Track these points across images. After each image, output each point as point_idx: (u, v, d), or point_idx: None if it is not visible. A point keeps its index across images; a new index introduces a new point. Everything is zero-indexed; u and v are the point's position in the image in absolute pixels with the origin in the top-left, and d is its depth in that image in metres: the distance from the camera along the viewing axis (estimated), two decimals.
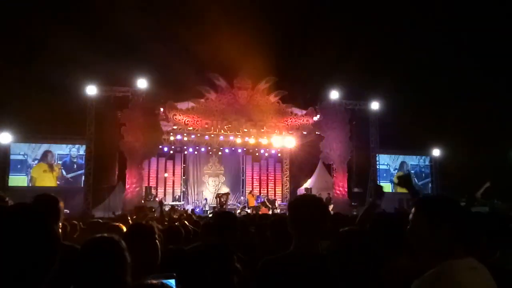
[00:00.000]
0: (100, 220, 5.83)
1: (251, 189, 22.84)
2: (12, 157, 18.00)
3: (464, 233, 1.73)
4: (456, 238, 1.71)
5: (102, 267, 1.95)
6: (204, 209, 20.31)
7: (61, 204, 2.93)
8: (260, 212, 17.70)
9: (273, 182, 24.24)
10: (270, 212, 18.53)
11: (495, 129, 20.12)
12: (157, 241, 2.44)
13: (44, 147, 18.49)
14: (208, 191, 22.81)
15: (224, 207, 18.65)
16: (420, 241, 1.76)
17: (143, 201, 17.47)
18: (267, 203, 19.69)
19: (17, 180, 17.96)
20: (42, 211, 1.33)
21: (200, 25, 23.30)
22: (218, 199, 19.68)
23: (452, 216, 1.74)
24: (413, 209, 1.82)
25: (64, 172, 18.74)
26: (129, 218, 6.11)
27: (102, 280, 1.91)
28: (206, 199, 21.78)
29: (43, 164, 18.50)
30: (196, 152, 22.58)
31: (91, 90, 17.22)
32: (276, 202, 22.03)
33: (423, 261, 1.74)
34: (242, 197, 22.48)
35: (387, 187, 21.14)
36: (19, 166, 18.18)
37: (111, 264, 1.98)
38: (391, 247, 2.29)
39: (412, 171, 22.03)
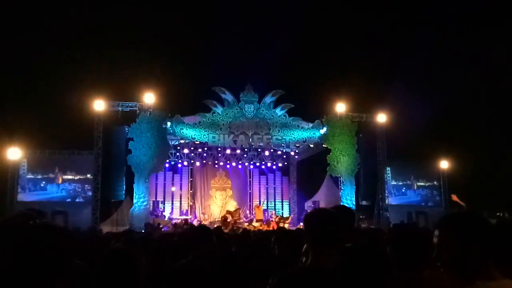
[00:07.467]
0: None
1: (258, 202, 22.75)
2: (21, 171, 18.08)
3: (498, 251, 1.63)
4: (490, 257, 1.61)
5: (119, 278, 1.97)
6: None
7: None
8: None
9: (280, 196, 24.13)
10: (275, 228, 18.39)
11: (504, 141, 19.99)
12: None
13: (53, 162, 18.57)
14: (216, 205, 22.76)
15: (236, 223, 18.47)
16: (450, 263, 1.64)
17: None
18: (275, 219, 19.58)
19: (26, 194, 18.03)
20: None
21: (205, 40, 23.56)
22: (225, 216, 19.42)
23: (484, 233, 1.63)
24: (437, 230, 1.71)
25: (71, 186, 18.81)
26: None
27: None
28: (203, 213, 21.74)
29: (51, 179, 18.58)
30: (203, 166, 22.60)
31: (99, 105, 17.35)
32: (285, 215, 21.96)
33: (454, 282, 1.64)
34: (249, 211, 22.36)
35: (394, 199, 21.00)
36: (27, 181, 18.25)
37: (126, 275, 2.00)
38: (411, 260, 2.26)
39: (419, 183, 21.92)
